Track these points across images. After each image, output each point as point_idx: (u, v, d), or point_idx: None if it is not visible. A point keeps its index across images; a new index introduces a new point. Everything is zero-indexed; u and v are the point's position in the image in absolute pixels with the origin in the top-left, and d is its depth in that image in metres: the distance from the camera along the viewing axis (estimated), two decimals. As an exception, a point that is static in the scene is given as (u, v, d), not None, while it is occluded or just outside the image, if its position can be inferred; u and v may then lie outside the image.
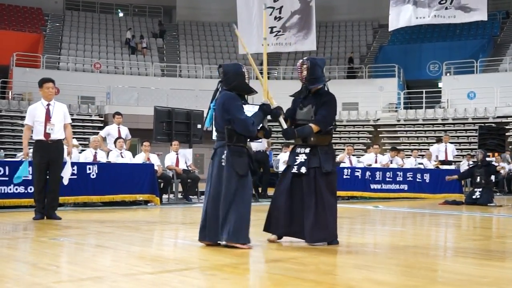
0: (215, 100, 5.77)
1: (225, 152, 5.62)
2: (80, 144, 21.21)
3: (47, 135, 8.15)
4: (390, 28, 9.95)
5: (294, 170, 5.90)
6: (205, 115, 14.13)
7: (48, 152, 8.14)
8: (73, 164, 10.49)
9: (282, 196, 5.95)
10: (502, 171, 18.46)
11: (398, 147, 18.23)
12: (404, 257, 5.45)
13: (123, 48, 32.11)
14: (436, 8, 9.17)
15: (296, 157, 5.96)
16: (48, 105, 8.30)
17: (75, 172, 10.19)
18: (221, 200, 5.57)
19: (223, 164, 5.61)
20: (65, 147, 8.57)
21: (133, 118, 20.95)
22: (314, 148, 5.91)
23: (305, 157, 5.89)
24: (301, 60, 6.21)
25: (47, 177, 8.19)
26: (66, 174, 8.56)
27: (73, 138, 10.31)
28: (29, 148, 8.37)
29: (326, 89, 6.10)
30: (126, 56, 31.31)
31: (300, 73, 6.12)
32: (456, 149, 19.27)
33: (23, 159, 8.46)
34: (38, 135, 8.19)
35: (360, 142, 25.67)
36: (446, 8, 9.13)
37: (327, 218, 5.79)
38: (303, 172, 5.85)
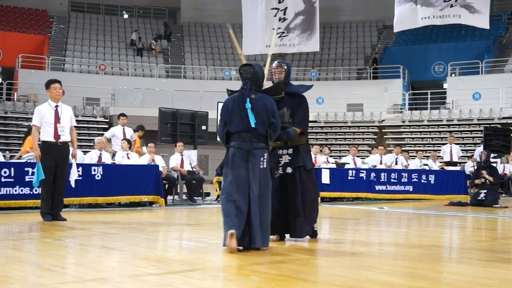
0: (248, 100, 5.55)
1: (265, 155, 5.56)
2: (85, 145, 21.30)
3: (57, 136, 8.17)
4: (396, 30, 9.92)
5: (280, 171, 6.15)
6: (210, 116, 14.18)
7: (58, 154, 8.16)
8: (78, 165, 10.55)
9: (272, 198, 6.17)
10: (507, 172, 18.43)
11: (403, 148, 18.20)
12: (409, 259, 5.44)
13: (128, 49, 32.17)
14: (441, 7, 9.14)
15: (280, 159, 6.21)
16: (57, 106, 8.31)
17: (80, 173, 10.20)
18: (262, 204, 5.47)
19: (261, 167, 5.51)
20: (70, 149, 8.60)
21: (137, 120, 20.96)
22: (296, 148, 6.19)
23: (289, 158, 6.16)
24: (278, 62, 6.34)
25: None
26: (73, 176, 8.57)
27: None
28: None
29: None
30: (131, 58, 31.37)
31: (275, 75, 6.26)
32: (461, 150, 19.24)
33: (35, 161, 8.30)
34: (47, 137, 8.17)
35: (365, 143, 25.64)
36: (451, 6, 9.10)
37: (313, 213, 6.20)
38: (289, 172, 6.13)
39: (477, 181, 13.45)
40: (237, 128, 5.58)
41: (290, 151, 6.18)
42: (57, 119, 8.22)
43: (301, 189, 6.12)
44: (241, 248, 5.42)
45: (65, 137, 8.28)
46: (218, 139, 5.91)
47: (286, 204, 6.13)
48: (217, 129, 5.89)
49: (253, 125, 5.50)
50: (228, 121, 5.65)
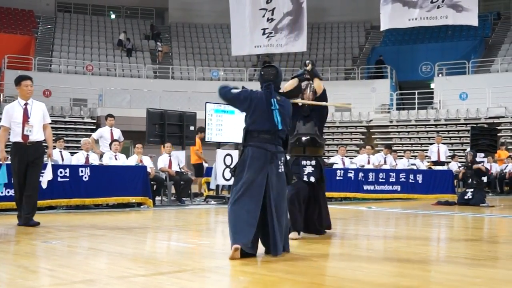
0: (275, 101, 5.36)
1: (283, 159, 5.42)
2: (73, 146, 21.19)
3: (25, 137, 7.67)
4: (382, 28, 9.92)
5: (304, 179, 6.73)
6: (198, 116, 14.17)
7: (27, 155, 7.67)
8: (65, 166, 10.49)
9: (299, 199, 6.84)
10: (493, 171, 18.57)
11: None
12: (397, 258, 5.46)
13: (116, 50, 32.04)
14: (428, 8, 9.17)
15: (304, 168, 6.78)
16: (26, 104, 7.74)
17: (67, 174, 10.15)
18: (279, 210, 5.29)
19: (280, 171, 5.34)
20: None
21: (125, 120, 20.89)
22: (316, 160, 6.83)
23: (312, 168, 6.76)
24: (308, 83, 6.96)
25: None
26: (46, 177, 8.09)
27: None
28: (7, 151, 7.94)
29: None
30: (119, 58, 31.25)
31: (305, 94, 6.88)
32: (449, 149, 19.35)
33: (1, 163, 7.82)
34: (16, 137, 7.69)
35: (353, 144, 25.70)
36: (438, 7, 9.13)
37: (326, 213, 7.06)
38: (312, 182, 6.75)
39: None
40: (262, 128, 5.34)
41: (313, 162, 6.78)
42: (25, 118, 7.71)
43: (319, 196, 6.86)
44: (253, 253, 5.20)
45: (34, 136, 7.74)
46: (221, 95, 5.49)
47: (307, 208, 6.80)
48: (227, 90, 5.48)
49: (280, 127, 5.31)
50: (248, 115, 5.40)
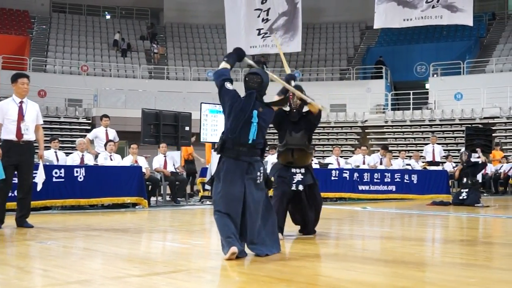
0: (256, 113, 5.25)
1: (261, 168, 5.34)
2: (68, 146, 21.15)
3: (20, 135, 7.56)
4: (376, 26, 9.91)
5: (293, 188, 6.71)
6: (193, 117, 14.14)
7: (18, 154, 7.54)
8: (60, 166, 10.48)
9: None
10: (488, 172, 18.61)
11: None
12: (392, 258, 5.47)
13: (111, 50, 31.99)
14: (423, 8, 9.18)
15: (294, 176, 6.74)
16: (21, 102, 7.61)
17: (62, 175, 10.13)
18: (262, 214, 5.28)
19: (258, 181, 5.29)
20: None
21: (120, 121, 20.88)
22: (306, 168, 6.81)
23: (301, 176, 6.74)
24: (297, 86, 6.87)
25: (14, 181, 7.67)
26: (40, 178, 8.02)
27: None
28: None
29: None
30: (114, 59, 31.20)
31: (293, 99, 6.74)
32: (444, 150, 19.39)
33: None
34: (8, 135, 7.53)
35: (348, 144, 25.73)
36: (433, 7, 9.14)
37: (318, 215, 7.08)
38: (300, 190, 6.73)
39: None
40: (239, 140, 5.24)
41: (302, 170, 6.76)
42: (20, 116, 7.53)
43: (313, 201, 6.90)
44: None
45: (28, 136, 7.58)
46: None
47: (297, 213, 6.97)
48: (222, 83, 5.38)
49: (250, 141, 5.21)
50: (227, 121, 5.30)
